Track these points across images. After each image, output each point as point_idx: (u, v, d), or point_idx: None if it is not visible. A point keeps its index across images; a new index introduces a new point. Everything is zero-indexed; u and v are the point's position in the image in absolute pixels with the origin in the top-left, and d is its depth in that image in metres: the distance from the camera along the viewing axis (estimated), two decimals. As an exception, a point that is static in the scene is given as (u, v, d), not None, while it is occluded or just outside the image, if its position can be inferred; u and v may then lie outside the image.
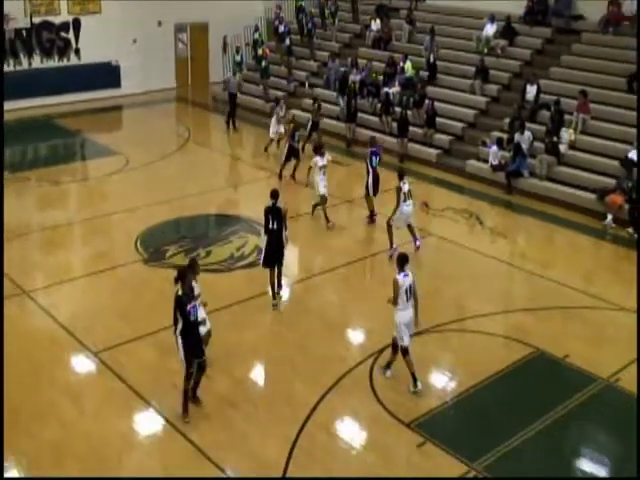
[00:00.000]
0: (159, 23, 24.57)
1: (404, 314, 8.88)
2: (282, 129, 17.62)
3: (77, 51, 23.08)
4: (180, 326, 8.23)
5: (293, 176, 16.14)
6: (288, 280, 12.06)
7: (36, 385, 8.98)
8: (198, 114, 23.63)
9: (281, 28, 23.63)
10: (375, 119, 19.31)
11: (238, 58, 23.24)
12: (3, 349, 8.86)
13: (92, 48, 22.88)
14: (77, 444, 8.01)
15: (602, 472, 8.05)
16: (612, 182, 14.79)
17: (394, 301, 8.83)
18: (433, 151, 17.82)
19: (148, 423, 8.46)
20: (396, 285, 8.79)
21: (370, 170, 13.84)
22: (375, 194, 13.94)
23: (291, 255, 13.14)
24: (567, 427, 8.63)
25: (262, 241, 11.16)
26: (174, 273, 8.56)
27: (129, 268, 12.11)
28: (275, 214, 10.90)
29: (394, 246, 12.56)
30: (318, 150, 14.02)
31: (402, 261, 8.92)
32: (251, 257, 12.60)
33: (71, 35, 22.91)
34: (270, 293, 11.09)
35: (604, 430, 8.74)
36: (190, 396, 8.46)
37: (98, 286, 11.61)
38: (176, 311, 8.23)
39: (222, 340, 10.02)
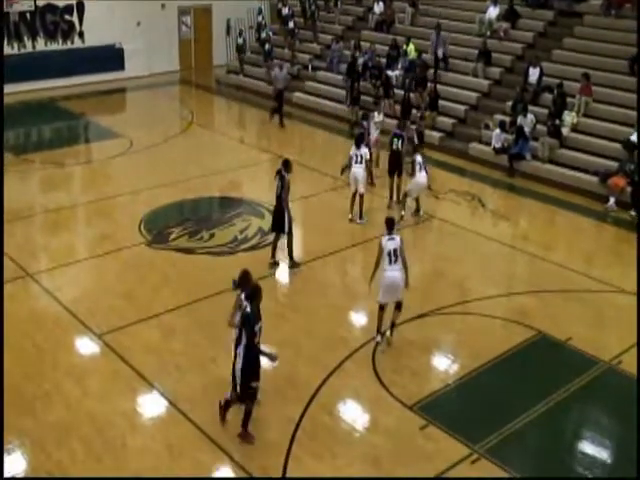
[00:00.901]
0: (162, 6, 24.25)
1: (385, 275, 9.15)
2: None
3: (81, 34, 22.78)
4: (244, 342, 7.46)
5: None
6: (291, 262, 11.91)
7: (40, 367, 8.86)
8: (202, 97, 23.37)
9: (284, 11, 23.30)
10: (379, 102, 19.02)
11: (240, 41, 22.96)
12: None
13: (96, 31, 22.60)
14: (81, 425, 7.90)
15: (604, 454, 7.93)
16: (614, 165, 14.58)
17: (376, 262, 9.17)
18: (436, 134, 17.57)
19: (152, 405, 8.34)
20: (380, 247, 9.18)
21: (390, 150, 13.78)
22: (391, 174, 13.78)
23: (296, 237, 13.01)
24: (569, 410, 8.51)
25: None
26: (235, 275, 8.04)
27: (133, 250, 11.96)
28: (280, 180, 11.13)
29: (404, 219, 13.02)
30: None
31: (388, 224, 9.34)
32: (254, 239, 12.44)
33: (75, 18, 22.62)
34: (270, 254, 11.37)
35: (606, 413, 8.61)
36: (222, 412, 7.89)
37: (102, 268, 11.47)
38: (242, 328, 7.50)
39: (225, 323, 9.88)
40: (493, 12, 19.56)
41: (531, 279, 11.53)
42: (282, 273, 11.73)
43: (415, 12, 21.46)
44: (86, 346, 9.42)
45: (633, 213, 13.71)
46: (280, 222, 11.25)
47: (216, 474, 7.45)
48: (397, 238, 9.24)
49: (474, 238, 12.69)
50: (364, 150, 13.02)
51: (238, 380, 7.52)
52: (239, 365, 7.49)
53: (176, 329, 9.77)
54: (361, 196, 13.08)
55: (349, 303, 10.70)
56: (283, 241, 11.51)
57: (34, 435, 7.72)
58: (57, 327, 9.75)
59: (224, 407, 7.87)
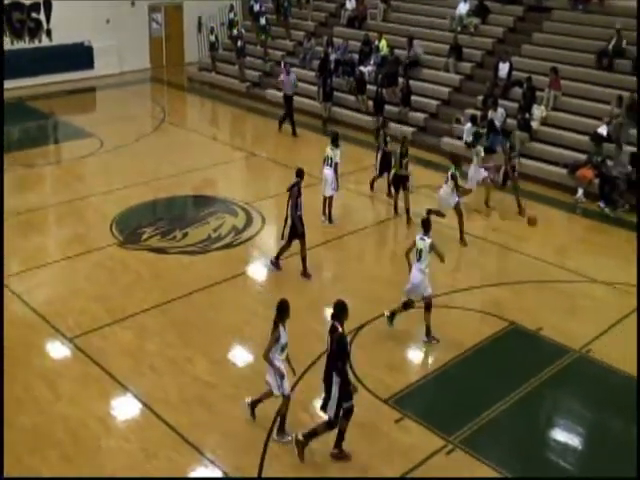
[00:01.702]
0: (132, 3, 24.01)
1: (412, 273, 9.37)
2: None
3: (48, 32, 22.45)
4: (339, 367, 7.18)
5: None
6: (266, 259, 11.91)
7: (11, 371, 8.71)
8: (173, 95, 23.18)
9: (256, 7, 23.21)
10: (351, 98, 19.07)
11: (212, 38, 22.82)
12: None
13: (64, 29, 22.28)
14: (54, 429, 7.82)
15: (575, 441, 8.05)
16: (582, 157, 14.77)
17: (405, 253, 9.55)
18: (408, 129, 17.64)
19: (125, 407, 8.28)
20: (413, 242, 9.46)
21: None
22: (396, 189, 13.45)
23: (271, 234, 13.02)
24: (541, 398, 8.63)
25: None
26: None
27: (104, 251, 11.84)
28: (291, 190, 10.94)
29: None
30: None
31: (423, 225, 9.48)
32: (228, 238, 12.39)
33: (42, 16, 22.27)
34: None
35: (577, 400, 8.76)
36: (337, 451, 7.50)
37: (73, 270, 11.34)
38: (343, 351, 7.24)
39: (199, 322, 9.88)
40: (463, 8, 19.67)
41: (503, 271, 11.65)
42: (257, 270, 11.72)
43: (387, 8, 21.50)
44: (58, 349, 9.31)
45: (601, 204, 13.91)
46: (290, 230, 11.00)
47: (191, 474, 7.41)
48: (427, 241, 9.30)
49: (448, 232, 12.74)
50: (338, 152, 12.84)
51: (333, 408, 7.20)
52: (336, 394, 7.17)
53: (150, 330, 9.70)
54: (329, 198, 12.94)
55: (323, 299, 10.68)
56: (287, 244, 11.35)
57: (5, 440, 7.60)
58: (28, 331, 9.62)
59: (304, 444, 7.39)
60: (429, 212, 10.75)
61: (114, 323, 9.78)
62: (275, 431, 7.74)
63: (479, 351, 9.37)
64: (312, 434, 7.40)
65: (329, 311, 10.32)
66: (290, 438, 7.59)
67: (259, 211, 13.44)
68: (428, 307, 9.39)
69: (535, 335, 9.76)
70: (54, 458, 7.42)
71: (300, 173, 11.08)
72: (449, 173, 12.36)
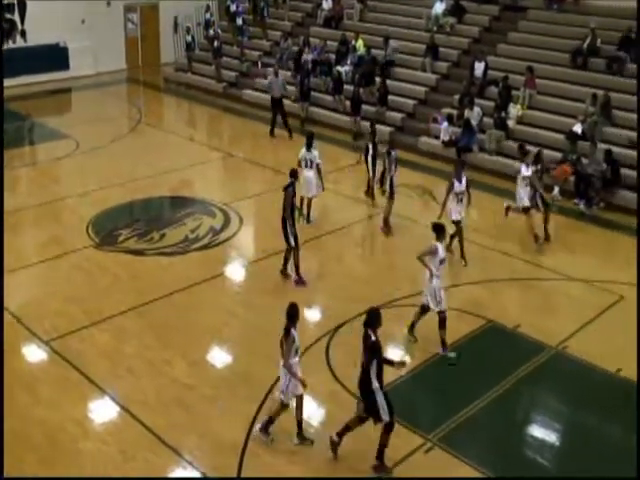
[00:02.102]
0: (108, 3, 23.83)
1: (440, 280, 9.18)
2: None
3: (23, 33, 22.17)
4: (376, 373, 7.18)
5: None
6: (245, 260, 11.90)
7: (-13, 375, 8.64)
8: (150, 95, 23.04)
9: (233, 7, 23.14)
10: (329, 98, 19.10)
11: (189, 38, 22.73)
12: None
13: (39, 29, 22.00)
14: (32, 433, 7.75)
15: (553, 437, 8.14)
16: (558, 155, 14.92)
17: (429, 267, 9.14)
18: (386, 128, 17.69)
19: (103, 409, 8.22)
20: (436, 252, 9.06)
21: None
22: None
23: (249, 235, 13.01)
24: (519, 395, 8.72)
25: None
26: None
27: (81, 253, 11.74)
28: (286, 190, 10.86)
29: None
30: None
31: (435, 230, 9.35)
32: (206, 239, 12.35)
33: (16, 16, 21.98)
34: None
35: (555, 396, 8.85)
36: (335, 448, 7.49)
37: (49, 273, 11.24)
38: (378, 359, 7.21)
39: (178, 323, 9.84)
40: (440, 7, 19.80)
41: (481, 269, 11.71)
42: (236, 271, 11.70)
43: (363, 8, 21.57)
44: (34, 353, 9.23)
45: (577, 201, 14.08)
46: (285, 234, 10.88)
47: (170, 475, 7.39)
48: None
49: (426, 231, 12.76)
50: (315, 153, 12.72)
51: (386, 411, 7.19)
52: (381, 399, 7.18)
53: (127, 332, 9.65)
54: (310, 199, 12.88)
55: (303, 300, 10.66)
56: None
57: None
58: (5, 334, 9.48)
59: (381, 465, 7.37)
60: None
61: (91, 325, 9.71)
62: (260, 427, 7.71)
63: (457, 349, 9.42)
64: (382, 445, 7.34)
65: (308, 312, 10.50)
66: (310, 441, 7.66)
67: (237, 212, 13.41)
68: (442, 322, 9.26)
69: (512, 333, 9.85)
70: (32, 462, 7.36)
71: (294, 173, 11.05)
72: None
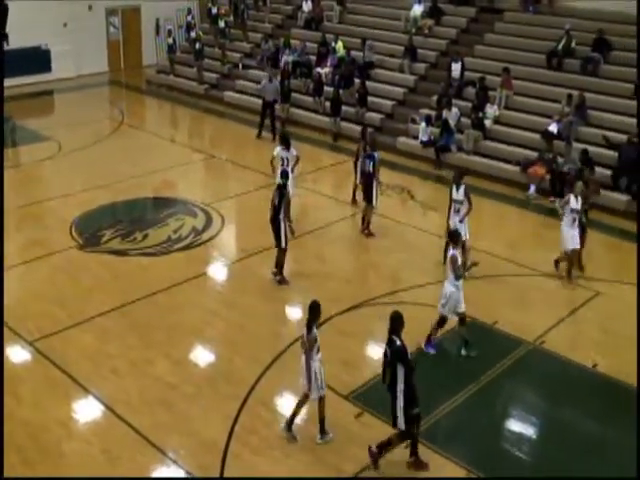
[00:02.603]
0: (89, 7, 23.65)
1: (445, 287, 9.23)
2: None
3: (5, 36, 21.88)
4: (402, 379, 7.10)
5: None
6: (227, 260, 11.88)
7: (-30, 377, 8.56)
8: (132, 97, 22.91)
9: (214, 10, 23.08)
10: (309, 99, 19.11)
11: (170, 41, 22.63)
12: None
13: (21, 32, 21.74)
14: (15, 434, 7.67)
15: (530, 431, 8.22)
16: (534, 154, 15.06)
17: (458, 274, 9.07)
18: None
19: (87, 410, 8.18)
20: (456, 260, 9.10)
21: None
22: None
23: (231, 235, 12.98)
24: (498, 389, 8.78)
25: None
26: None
27: (64, 255, 11.66)
28: (278, 192, 10.73)
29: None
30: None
31: (450, 238, 9.44)
32: (188, 239, 12.31)
33: (-3, 20, 21.74)
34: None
35: (532, 390, 8.93)
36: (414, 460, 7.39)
37: (32, 274, 11.15)
38: (402, 364, 7.10)
39: (161, 323, 9.81)
40: (418, 10, 19.89)
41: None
42: (218, 271, 11.67)
43: (343, 10, 21.63)
44: (18, 353, 9.14)
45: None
46: (275, 233, 10.79)
47: (154, 475, 7.36)
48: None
49: (405, 229, 12.91)
50: (293, 152, 12.65)
51: (402, 418, 7.13)
52: (401, 403, 7.09)
53: (110, 332, 9.60)
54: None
55: (283, 298, 10.72)
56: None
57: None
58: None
59: (378, 455, 7.32)
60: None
61: (75, 326, 9.65)
62: (318, 434, 7.65)
63: (437, 345, 9.47)
64: (386, 444, 7.33)
65: (289, 310, 10.51)
66: (331, 435, 7.63)
67: (218, 212, 13.38)
68: (462, 321, 9.32)
69: (491, 329, 9.92)
70: (16, 463, 7.29)
71: (286, 174, 10.96)
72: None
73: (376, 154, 12.60)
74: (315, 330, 7.57)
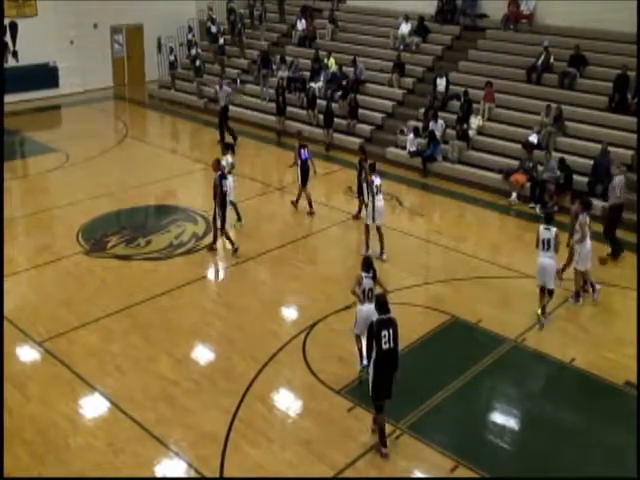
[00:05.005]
0: (95, 25, 23.69)
1: (538, 260, 9.89)
2: None
3: (15, 53, 21.94)
4: (373, 355, 7.23)
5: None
6: (226, 263, 11.91)
7: (-19, 376, 8.54)
8: (135, 111, 22.92)
9: (213, 28, 23.16)
10: (303, 112, 19.18)
11: (172, 57, 22.67)
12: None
13: (30, 50, 21.82)
14: (23, 429, 7.66)
15: (512, 422, 8.25)
16: (515, 163, 15.14)
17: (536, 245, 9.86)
18: (356, 140, 17.81)
19: (93, 405, 8.16)
20: (537, 234, 9.81)
21: (299, 162, 13.52)
22: (304, 184, 13.66)
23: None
24: (481, 384, 8.80)
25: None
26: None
27: (71, 260, 11.65)
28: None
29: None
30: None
31: (546, 217, 10.02)
32: (189, 244, 12.33)
33: (8, 38, 21.75)
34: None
35: (514, 385, 8.95)
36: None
37: (41, 278, 11.14)
38: (370, 337, 7.22)
39: (163, 324, 9.82)
40: (405, 28, 20.00)
41: (444, 269, 11.84)
42: (216, 274, 11.70)
43: (335, 28, 21.73)
44: (27, 353, 9.14)
45: (532, 205, 14.31)
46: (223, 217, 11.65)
47: (157, 467, 7.34)
48: (553, 230, 9.68)
49: (393, 234, 12.92)
50: (230, 159, 12.79)
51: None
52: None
53: (115, 332, 9.60)
54: (232, 204, 12.66)
55: (280, 299, 10.75)
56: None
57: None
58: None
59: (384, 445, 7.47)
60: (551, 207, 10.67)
61: (81, 327, 9.64)
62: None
63: (424, 343, 9.52)
64: (381, 433, 7.47)
65: (284, 310, 10.54)
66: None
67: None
68: (550, 294, 9.96)
69: (474, 327, 9.96)
70: (24, 457, 7.28)
71: (219, 164, 11.58)
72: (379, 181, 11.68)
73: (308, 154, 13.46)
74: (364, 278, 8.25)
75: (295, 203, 13.87)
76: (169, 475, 7.25)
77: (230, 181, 12.29)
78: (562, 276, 10.82)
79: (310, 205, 13.61)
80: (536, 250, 9.91)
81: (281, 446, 7.59)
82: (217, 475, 7.15)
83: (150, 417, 7.86)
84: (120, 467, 7.22)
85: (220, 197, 11.47)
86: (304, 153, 13.52)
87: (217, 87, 18.85)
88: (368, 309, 8.28)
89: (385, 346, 7.21)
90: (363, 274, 8.45)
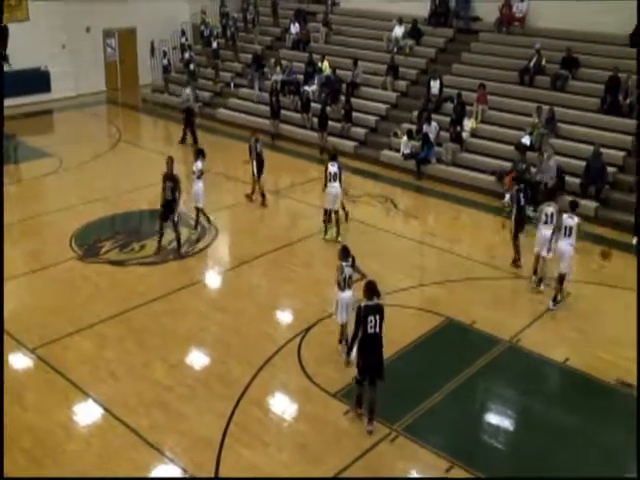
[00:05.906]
0: (87, 29, 23.66)
1: (557, 245, 10.45)
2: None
3: (5, 57, 21.83)
4: (359, 337, 7.57)
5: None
6: (221, 267, 11.91)
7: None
8: (128, 115, 22.90)
9: (206, 32, 23.16)
10: (297, 115, 19.20)
11: (165, 61, 22.67)
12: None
13: (21, 54, 21.70)
14: (21, 438, 7.63)
15: (506, 423, 8.28)
16: (508, 165, 15.19)
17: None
18: (350, 143, 17.86)
19: (87, 412, 8.15)
20: (561, 222, 10.35)
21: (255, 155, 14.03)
22: (259, 177, 14.06)
23: (224, 244, 13.00)
24: (476, 385, 8.84)
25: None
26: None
27: (65, 265, 11.62)
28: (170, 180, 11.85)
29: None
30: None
31: (571, 205, 10.46)
32: (183, 248, 12.31)
33: (-1, 42, 21.69)
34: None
35: (508, 385, 9.00)
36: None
37: (34, 284, 11.11)
38: (358, 321, 7.53)
39: (157, 329, 9.81)
40: (399, 31, 20.06)
41: (439, 270, 11.88)
42: (212, 279, 11.69)
43: (329, 32, 21.77)
44: (21, 361, 9.09)
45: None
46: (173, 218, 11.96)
47: (152, 473, 7.33)
48: (575, 219, 10.26)
49: (388, 236, 12.98)
50: (199, 164, 12.87)
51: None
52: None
53: (109, 338, 9.58)
54: (198, 209, 12.89)
55: (275, 303, 10.76)
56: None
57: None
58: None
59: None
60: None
61: (75, 333, 9.61)
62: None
63: (419, 345, 9.55)
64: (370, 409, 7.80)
65: (279, 314, 10.55)
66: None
67: (212, 223, 13.39)
68: (561, 280, 10.38)
69: (469, 328, 10.00)
70: (22, 462, 7.27)
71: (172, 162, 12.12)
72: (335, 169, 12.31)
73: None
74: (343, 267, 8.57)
75: (250, 195, 14.30)
76: (164, 480, 7.25)
77: (200, 187, 12.67)
78: (520, 264, 11.67)
79: (263, 196, 14.09)
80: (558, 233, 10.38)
81: (277, 449, 7.60)
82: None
83: (144, 423, 7.85)
84: (115, 472, 7.19)
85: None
86: (257, 145, 14.06)
87: (184, 89, 19.08)
88: (348, 296, 8.84)
89: (370, 330, 7.50)
90: (343, 263, 8.80)
